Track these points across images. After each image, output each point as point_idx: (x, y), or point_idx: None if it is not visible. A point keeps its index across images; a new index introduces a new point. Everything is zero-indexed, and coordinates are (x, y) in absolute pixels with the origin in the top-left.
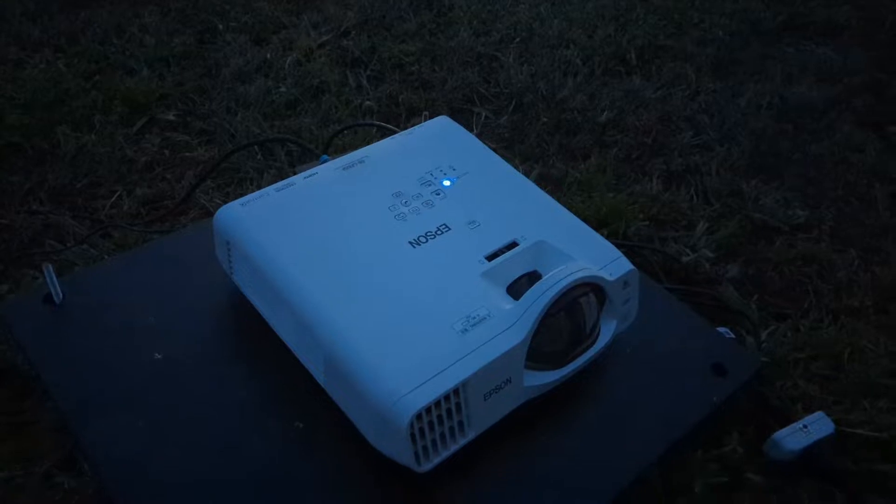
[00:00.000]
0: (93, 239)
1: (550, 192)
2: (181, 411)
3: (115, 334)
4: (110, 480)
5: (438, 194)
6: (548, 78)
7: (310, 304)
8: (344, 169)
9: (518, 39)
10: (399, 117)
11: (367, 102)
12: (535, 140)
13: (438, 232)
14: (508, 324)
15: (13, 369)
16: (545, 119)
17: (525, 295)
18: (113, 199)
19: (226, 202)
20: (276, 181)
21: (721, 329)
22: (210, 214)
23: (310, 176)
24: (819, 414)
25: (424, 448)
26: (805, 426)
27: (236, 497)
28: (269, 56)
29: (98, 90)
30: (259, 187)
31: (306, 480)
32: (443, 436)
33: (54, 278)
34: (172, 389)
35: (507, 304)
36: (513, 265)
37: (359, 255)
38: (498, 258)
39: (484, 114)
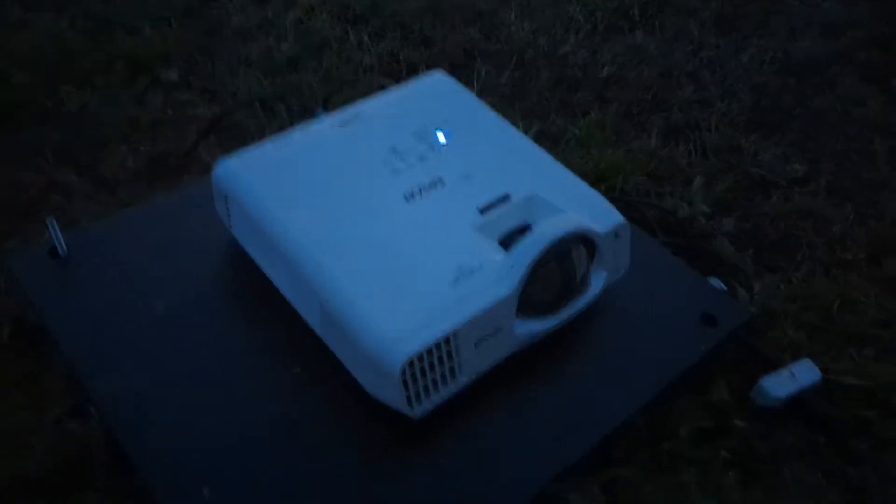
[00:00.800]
0: (97, 195)
1: (549, 149)
2: (182, 359)
3: (118, 286)
4: (116, 424)
5: (433, 149)
6: (549, 34)
7: (306, 256)
8: (340, 123)
9: None
10: (399, 74)
11: (368, 59)
12: (535, 97)
13: (432, 185)
14: (500, 274)
15: (23, 320)
16: (546, 75)
17: (516, 246)
18: (117, 157)
19: None
20: None
21: (712, 281)
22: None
23: (306, 131)
24: (806, 361)
25: (417, 393)
26: (792, 373)
27: (235, 439)
28: (270, 14)
29: (101, 50)
30: None
31: (302, 424)
32: (435, 382)
33: (58, 232)
34: (174, 338)
35: (499, 255)
36: (505, 218)
37: (354, 207)
38: (491, 211)
39: (485, 70)
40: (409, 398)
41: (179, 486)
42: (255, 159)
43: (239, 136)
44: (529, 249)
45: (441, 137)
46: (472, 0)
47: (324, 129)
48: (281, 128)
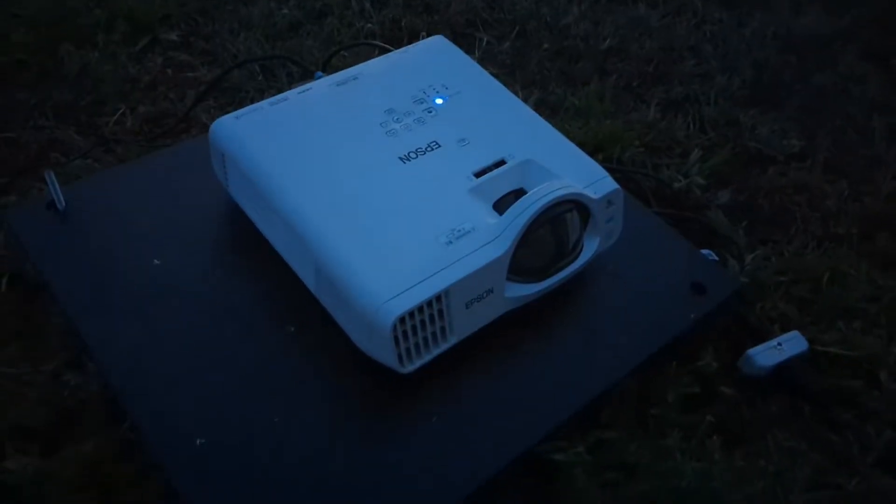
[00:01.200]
0: (96, 153)
1: (548, 118)
2: (178, 313)
3: (116, 240)
4: (112, 375)
5: (430, 112)
6: (552, 4)
7: (301, 214)
8: (337, 85)
9: None
10: (401, 41)
11: (370, 25)
12: (535, 66)
13: (429, 148)
14: (492, 237)
15: (21, 274)
16: (547, 45)
17: (509, 209)
18: (116, 116)
19: None
20: None
21: (704, 251)
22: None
23: (303, 91)
24: (794, 333)
25: (408, 350)
26: (779, 344)
27: (229, 392)
28: None
29: (101, 9)
30: None
31: (296, 379)
32: (425, 340)
33: (57, 185)
34: (170, 293)
35: (493, 218)
36: (500, 182)
37: (349, 168)
38: (485, 175)
39: (486, 39)
40: (400, 355)
41: (173, 438)
42: (251, 118)
43: (237, 99)
44: (522, 212)
45: (438, 101)
46: None
47: (321, 89)
48: (280, 91)
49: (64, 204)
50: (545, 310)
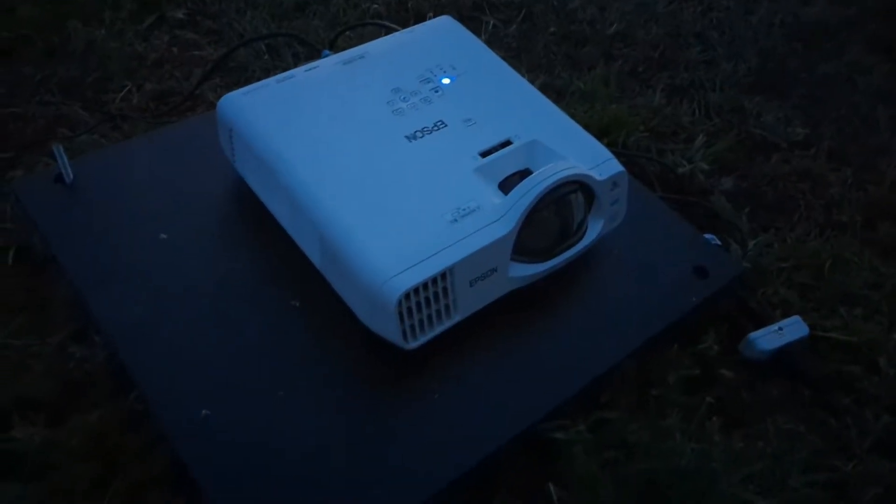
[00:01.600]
0: (103, 129)
1: (553, 102)
2: (184, 287)
3: (122, 214)
4: (118, 346)
5: (437, 91)
6: None
7: (307, 190)
8: (344, 63)
9: None
10: (407, 22)
11: (376, 6)
12: (542, 50)
13: (435, 128)
14: (497, 216)
15: (28, 247)
16: (553, 29)
17: (514, 189)
18: (122, 93)
19: None
20: None
21: (707, 236)
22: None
23: (311, 69)
24: (795, 318)
25: (412, 327)
26: (780, 328)
27: (234, 365)
28: None
29: None
30: None
31: (300, 353)
32: (430, 317)
33: (65, 158)
34: (176, 267)
35: (498, 198)
36: (506, 162)
37: (355, 145)
38: (491, 155)
39: (492, 22)
40: (404, 331)
41: (178, 408)
42: (259, 94)
43: (243, 78)
44: (528, 192)
45: (445, 81)
46: None
47: (328, 67)
48: (285, 70)
49: (72, 177)
50: (549, 290)
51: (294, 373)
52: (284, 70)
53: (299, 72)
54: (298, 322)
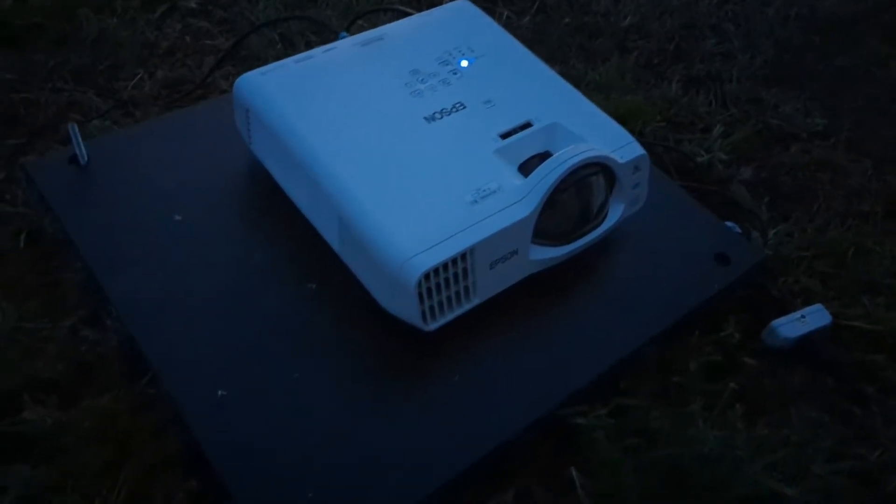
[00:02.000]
0: (115, 115)
1: None
2: (199, 268)
3: (137, 196)
4: (132, 327)
5: (455, 73)
6: None
7: (326, 170)
8: (362, 45)
9: None
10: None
11: None
12: (556, 41)
13: (454, 109)
14: (517, 198)
15: (41, 231)
16: (567, 20)
17: (535, 170)
18: (134, 80)
19: None
20: None
21: (728, 223)
22: (230, 97)
23: (329, 50)
24: (817, 306)
25: (431, 308)
26: (803, 316)
27: (250, 347)
28: None
29: None
30: None
31: (317, 335)
32: (449, 298)
33: (79, 139)
34: (191, 249)
35: (518, 180)
36: (526, 144)
37: (374, 125)
38: (511, 137)
39: (506, 13)
40: (423, 312)
41: (194, 389)
42: (277, 74)
43: (255, 66)
44: (549, 173)
45: (464, 63)
46: None
47: (346, 48)
48: None
49: (86, 158)
50: (569, 274)
51: (311, 355)
52: None
53: (317, 52)
54: (315, 305)
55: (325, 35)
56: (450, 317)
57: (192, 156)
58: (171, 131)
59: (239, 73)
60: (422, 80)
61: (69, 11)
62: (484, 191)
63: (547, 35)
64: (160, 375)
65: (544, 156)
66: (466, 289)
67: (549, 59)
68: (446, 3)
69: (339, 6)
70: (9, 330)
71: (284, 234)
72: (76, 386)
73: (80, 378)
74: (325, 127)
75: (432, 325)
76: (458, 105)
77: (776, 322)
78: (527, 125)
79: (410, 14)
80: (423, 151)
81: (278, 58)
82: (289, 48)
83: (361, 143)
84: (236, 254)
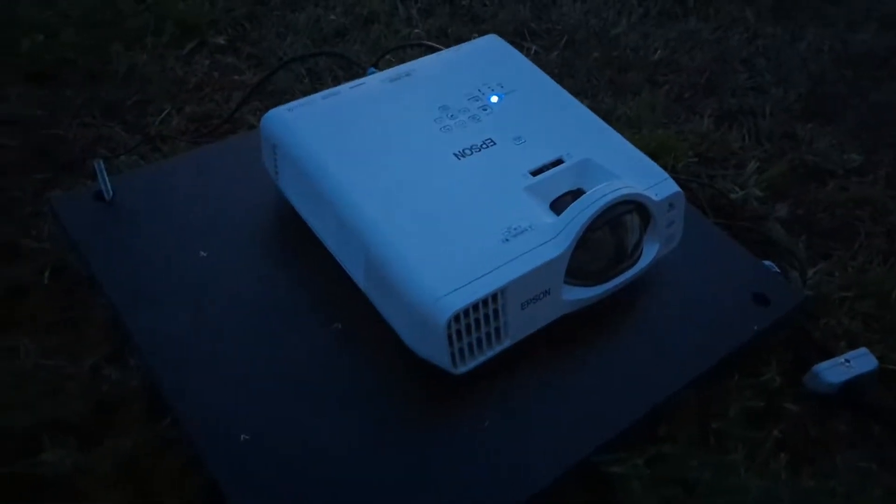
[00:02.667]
0: (142, 150)
1: None
2: (224, 307)
3: (162, 232)
4: (156, 367)
5: (485, 109)
6: (601, 16)
7: (353, 207)
8: (391, 81)
9: None
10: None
11: (417, 31)
12: (584, 76)
13: (484, 146)
14: (550, 236)
15: (64, 267)
16: (596, 55)
17: (568, 208)
18: (162, 115)
19: None
20: None
21: (766, 262)
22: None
23: (356, 86)
24: (862, 350)
25: (461, 350)
26: (847, 360)
27: (274, 388)
28: None
29: (151, 12)
30: None
31: (342, 377)
32: (479, 340)
33: (105, 175)
34: (217, 286)
35: (550, 218)
36: (557, 181)
37: (403, 162)
38: (543, 174)
39: (534, 48)
40: (453, 354)
41: (217, 432)
42: (304, 110)
43: (283, 101)
44: (582, 211)
45: (493, 99)
46: None
47: (374, 84)
48: None
49: (112, 194)
50: (602, 315)
51: (337, 399)
52: None
53: (345, 88)
54: (341, 346)
55: (354, 70)
56: (480, 359)
57: (218, 191)
58: (197, 167)
59: (266, 109)
60: (451, 115)
61: (100, 48)
62: (515, 229)
63: (576, 69)
64: (183, 418)
65: (577, 193)
66: (497, 330)
67: (578, 94)
68: (475, 38)
69: (368, 42)
70: (30, 367)
71: (310, 273)
72: (97, 426)
73: (100, 418)
74: (352, 163)
75: (462, 369)
76: (487, 141)
77: (819, 367)
78: (558, 162)
79: (439, 49)
80: (453, 188)
81: (306, 93)
82: (316, 84)
83: (389, 179)
84: (261, 292)
